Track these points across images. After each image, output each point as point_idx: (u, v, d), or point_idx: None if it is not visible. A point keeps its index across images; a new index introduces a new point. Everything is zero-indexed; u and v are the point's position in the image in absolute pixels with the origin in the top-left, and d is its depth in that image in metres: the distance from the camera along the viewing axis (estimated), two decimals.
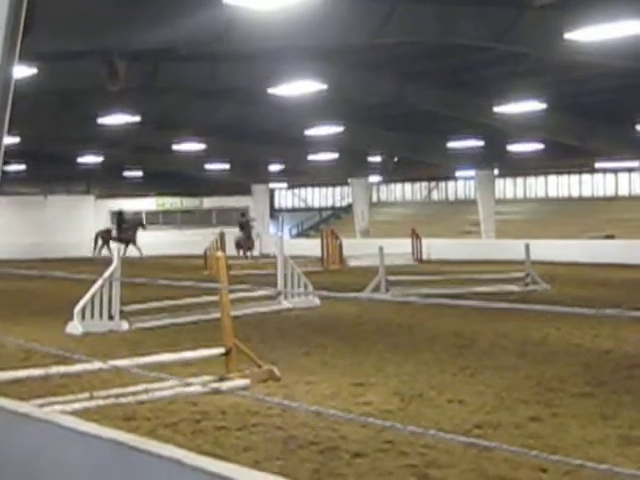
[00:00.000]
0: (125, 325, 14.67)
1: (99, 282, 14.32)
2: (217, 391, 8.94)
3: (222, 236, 29.82)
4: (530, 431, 7.76)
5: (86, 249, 40.90)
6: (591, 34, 16.06)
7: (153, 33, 16.90)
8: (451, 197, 52.90)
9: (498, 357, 11.75)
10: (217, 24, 16.24)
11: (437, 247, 36.41)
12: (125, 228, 41.25)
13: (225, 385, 9.40)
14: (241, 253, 38.83)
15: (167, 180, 51.95)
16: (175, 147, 39.21)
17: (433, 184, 53.57)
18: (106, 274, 14.41)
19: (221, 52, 21.26)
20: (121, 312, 14.71)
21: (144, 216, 47.16)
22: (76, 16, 16.36)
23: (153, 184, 52.94)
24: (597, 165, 41.17)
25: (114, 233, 41.41)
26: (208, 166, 47.19)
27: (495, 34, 18.60)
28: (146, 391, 9.00)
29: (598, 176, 45.90)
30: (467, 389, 9.58)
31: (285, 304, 17.68)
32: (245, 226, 39.64)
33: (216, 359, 10.12)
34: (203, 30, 16.67)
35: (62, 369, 9.27)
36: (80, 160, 43.91)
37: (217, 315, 11.59)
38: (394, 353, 12.15)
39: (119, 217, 42.70)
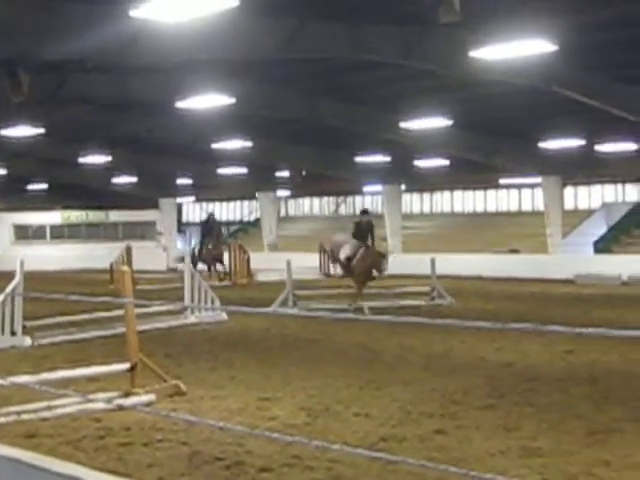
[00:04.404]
0: (28, 341, 14.38)
1: (0, 297, 14.02)
2: (121, 407, 8.83)
3: (129, 250, 29.46)
4: (435, 444, 7.84)
5: None
6: (495, 52, 16.35)
7: (59, 44, 16.66)
8: (358, 212, 53.22)
9: (404, 370, 11.85)
10: (124, 36, 16.10)
11: None
12: (215, 238, 30.72)
13: (130, 401, 9.28)
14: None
15: (73, 193, 51.19)
16: (81, 160, 38.68)
17: (341, 199, 53.85)
18: (8, 289, 14.11)
19: (129, 64, 21.08)
20: (24, 327, 14.41)
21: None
22: None
23: (58, 197, 52.11)
24: (501, 181, 41.90)
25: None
26: (115, 179, 46.68)
27: (402, 51, 18.82)
28: (49, 408, 8.83)
29: (502, 192, 46.69)
30: (373, 403, 9.63)
31: (192, 319, 17.54)
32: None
33: (122, 374, 9.99)
34: (110, 42, 16.50)
35: None
36: None
37: (124, 330, 11.45)
38: (301, 367, 12.16)
39: (209, 224, 31.58)
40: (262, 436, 7.53)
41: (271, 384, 10.80)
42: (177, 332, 16.41)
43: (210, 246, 29.95)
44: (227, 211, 60.67)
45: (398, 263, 36.38)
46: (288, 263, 20.48)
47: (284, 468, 7.07)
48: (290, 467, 7.09)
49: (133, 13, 13.12)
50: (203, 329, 16.88)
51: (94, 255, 42.87)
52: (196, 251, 30.65)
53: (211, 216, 31.86)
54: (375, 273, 20.06)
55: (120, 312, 13.03)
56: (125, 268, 11.62)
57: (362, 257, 20.13)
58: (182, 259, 27.70)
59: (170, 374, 10.27)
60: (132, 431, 8.28)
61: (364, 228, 20.78)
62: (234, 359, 12.95)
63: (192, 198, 56.34)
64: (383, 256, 20.37)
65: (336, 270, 22.08)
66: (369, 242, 20.58)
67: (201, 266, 28.93)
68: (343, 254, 20.63)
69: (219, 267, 30.04)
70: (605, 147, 32.36)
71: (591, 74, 22.02)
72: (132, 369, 9.73)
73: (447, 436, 8.12)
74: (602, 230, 39.17)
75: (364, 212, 22.16)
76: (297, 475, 6.92)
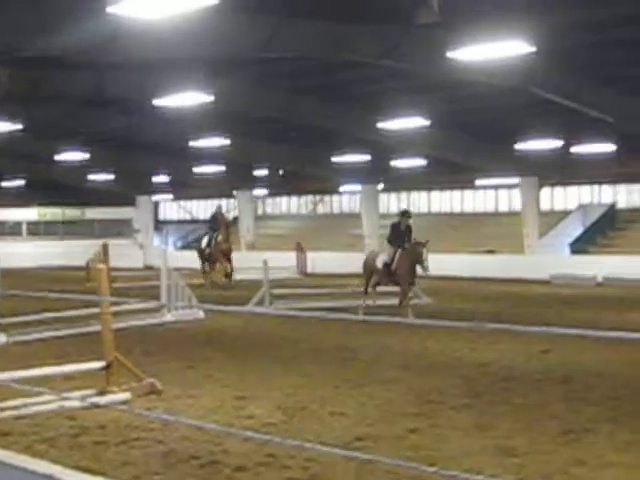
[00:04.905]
0: (3, 338, 14.30)
1: None
2: (97, 405, 8.80)
3: (105, 247, 29.32)
4: (410, 443, 7.86)
5: None
6: (474, 53, 16.37)
7: (38, 40, 16.56)
8: (336, 211, 53.22)
9: (380, 370, 11.88)
10: (102, 33, 16.01)
11: (322, 260, 36.61)
12: (224, 233, 28.29)
13: (105, 399, 9.25)
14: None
15: (49, 190, 50.90)
16: (58, 156, 38.48)
17: (319, 198, 53.82)
18: None
19: (107, 61, 20.99)
20: None
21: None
22: None
23: (35, 194, 51.83)
24: (478, 182, 41.97)
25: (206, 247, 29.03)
26: (91, 176, 46.45)
27: (381, 51, 18.83)
28: (24, 406, 8.79)
29: (479, 192, 46.79)
30: (349, 402, 9.65)
31: (169, 317, 17.52)
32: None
33: (98, 373, 9.96)
34: (88, 39, 16.40)
35: None
36: None
37: (100, 328, 11.41)
38: (277, 366, 12.16)
39: (217, 218, 29.41)
40: (238, 435, 7.53)
41: (247, 383, 10.80)
42: (154, 330, 16.38)
43: (220, 239, 28.07)
44: (204, 209, 60.52)
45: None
46: (265, 262, 20.47)
47: (260, 467, 7.07)
48: (266, 466, 7.09)
49: (112, 9, 13.05)
50: (180, 327, 16.85)
51: (70, 252, 42.67)
52: (203, 244, 29.00)
53: (219, 209, 29.92)
54: (420, 271, 18.55)
55: (96, 310, 13.00)
56: (101, 266, 11.57)
57: (401, 259, 18.58)
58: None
59: (146, 372, 10.23)
60: (107, 429, 8.26)
61: (401, 231, 19.02)
62: (211, 358, 12.94)
63: (169, 196, 56.16)
64: (423, 246, 18.49)
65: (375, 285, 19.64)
66: (406, 246, 18.70)
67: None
68: (380, 262, 19.12)
69: (226, 265, 27.86)
70: (582, 148, 32.47)
71: (568, 76, 22.12)
72: (108, 367, 9.70)
73: (422, 435, 8.15)
74: (578, 231, 39.33)
75: (404, 213, 19.70)
76: (273, 474, 6.92)
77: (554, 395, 10.06)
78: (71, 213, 52.93)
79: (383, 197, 46.79)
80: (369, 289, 19.62)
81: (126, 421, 8.45)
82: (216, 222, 28.82)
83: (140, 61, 20.62)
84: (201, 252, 29.06)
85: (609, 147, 31.72)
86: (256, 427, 8.30)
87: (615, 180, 41.55)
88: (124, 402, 9.37)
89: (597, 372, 11.70)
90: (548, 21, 17.14)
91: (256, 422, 8.64)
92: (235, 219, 47.87)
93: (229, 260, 27.84)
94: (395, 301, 19.61)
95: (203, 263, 28.88)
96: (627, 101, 24.21)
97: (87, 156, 37.89)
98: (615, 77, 22.53)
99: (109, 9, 13.06)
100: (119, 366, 9.78)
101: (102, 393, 9.47)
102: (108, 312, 10.03)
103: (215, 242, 28.22)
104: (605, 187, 43.18)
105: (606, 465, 7.14)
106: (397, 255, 18.68)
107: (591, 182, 42.79)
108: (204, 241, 29.21)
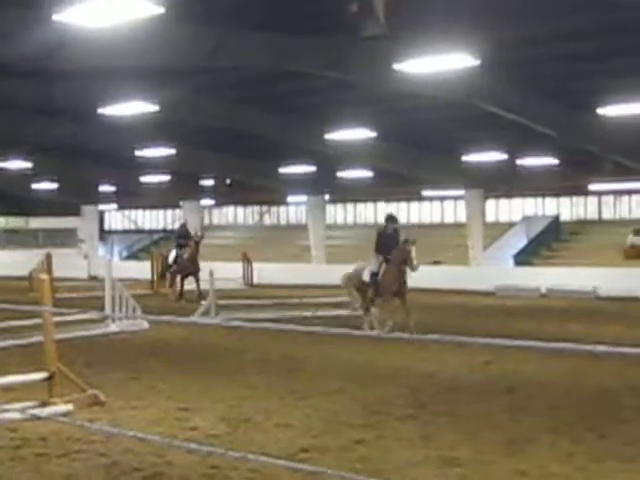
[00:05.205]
0: None
1: None
2: (38, 417, 8.69)
3: (49, 257, 29.01)
4: (355, 454, 7.86)
5: None
6: (419, 66, 16.51)
7: None
8: (283, 222, 53.25)
9: (325, 380, 11.87)
10: (48, 41, 15.87)
11: (268, 271, 36.57)
12: (193, 250, 27.07)
13: (46, 411, 9.13)
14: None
15: None
16: (2, 165, 38.02)
17: (265, 208, 53.80)
18: None
19: (53, 69, 20.77)
20: None
21: None
22: None
23: None
24: (424, 193, 42.29)
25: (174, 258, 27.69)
26: (35, 185, 45.96)
27: (327, 62, 18.88)
28: None
29: (425, 204, 47.14)
30: (295, 413, 9.63)
31: (113, 327, 17.37)
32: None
33: (40, 384, 9.83)
34: (34, 46, 16.25)
35: None
36: None
37: (42, 339, 11.27)
38: (222, 377, 12.11)
39: (184, 233, 28.58)
40: (181, 447, 7.49)
41: (191, 394, 10.73)
42: (98, 341, 16.22)
43: (186, 256, 26.75)
44: (150, 219, 60.16)
45: (322, 273, 36.60)
46: (211, 273, 20.39)
47: (203, 478, 7.03)
48: (209, 477, 7.05)
49: (58, 17, 12.95)
50: (124, 338, 16.71)
51: (14, 262, 42.13)
52: (170, 259, 27.75)
53: (184, 225, 28.84)
54: (409, 272, 17.19)
55: (39, 320, 12.84)
56: (44, 276, 11.45)
57: (388, 266, 17.28)
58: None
59: (89, 384, 10.13)
60: (49, 441, 8.16)
61: (388, 235, 17.62)
62: (155, 369, 12.84)
63: (114, 206, 55.77)
64: (412, 244, 17.14)
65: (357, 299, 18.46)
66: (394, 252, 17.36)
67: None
68: (367, 275, 17.77)
69: (193, 285, 26.06)
70: (526, 161, 32.89)
71: (513, 89, 22.35)
72: (50, 378, 9.58)
73: (368, 446, 8.16)
74: (522, 243, 39.77)
75: (390, 219, 17.99)
76: None
77: (497, 405, 10.14)
78: (14, 222, 52.27)
79: (330, 208, 46.91)
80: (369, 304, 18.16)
81: (68, 433, 8.35)
82: (185, 238, 27.49)
83: (87, 69, 20.46)
84: (168, 266, 28.06)
85: (553, 160, 32.17)
86: (200, 439, 8.25)
87: (559, 193, 42.18)
88: (66, 414, 9.25)
89: (539, 382, 11.82)
90: (493, 35, 17.31)
91: (200, 434, 8.59)
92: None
93: (197, 279, 25.90)
94: (337, 313, 19.66)
95: (172, 278, 27.55)
96: (570, 115, 24.55)
97: (30, 165, 37.50)
98: (559, 91, 22.81)
99: (55, 17, 12.96)
100: (62, 377, 9.67)
101: (44, 405, 9.34)
102: (51, 323, 9.91)
103: (181, 259, 26.95)
104: (549, 199, 43.76)
105: (548, 476, 7.21)
106: (383, 266, 17.43)
107: (535, 194, 43.34)
108: (171, 255, 27.90)
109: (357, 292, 18.39)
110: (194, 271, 26.21)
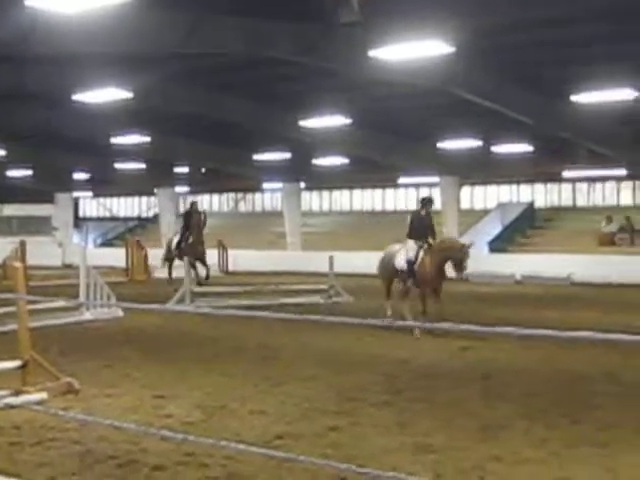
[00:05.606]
0: None
1: None
2: (11, 406, 8.63)
3: (23, 245, 28.83)
4: (330, 441, 7.87)
5: None
6: (394, 53, 16.49)
7: None
8: (258, 209, 53.17)
9: (301, 368, 11.87)
10: (20, 25, 15.74)
11: (244, 258, 36.53)
12: (197, 232, 25.24)
13: (20, 399, 9.07)
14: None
15: None
16: None
17: (240, 195, 53.69)
18: None
19: (26, 55, 20.60)
20: None
21: None
22: None
23: None
24: (400, 180, 42.31)
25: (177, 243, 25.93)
26: (9, 172, 45.64)
27: (302, 49, 18.83)
28: None
29: (401, 190, 47.17)
30: (269, 400, 9.63)
31: (87, 315, 17.30)
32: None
33: (13, 372, 9.77)
34: (6, 31, 16.13)
35: None
36: None
37: (15, 327, 11.21)
38: (197, 365, 12.09)
39: (191, 215, 25.76)
40: (156, 434, 7.47)
41: (167, 382, 10.71)
42: (72, 329, 16.15)
43: (191, 240, 24.97)
44: (125, 207, 59.92)
45: (298, 260, 36.61)
46: (186, 260, 20.32)
47: (178, 466, 7.01)
48: (185, 465, 7.04)
49: (30, 2, 12.85)
50: (98, 326, 16.64)
51: None
52: (173, 245, 25.98)
53: (194, 205, 26.14)
54: (454, 272, 16.02)
55: (13, 309, 12.76)
56: (18, 264, 11.37)
57: (430, 259, 15.89)
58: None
59: (63, 372, 10.08)
60: (22, 430, 8.12)
61: (422, 218, 16.34)
62: (129, 356, 12.80)
63: (89, 193, 55.48)
64: (468, 248, 15.93)
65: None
66: (430, 240, 16.13)
67: (177, 262, 25.11)
68: (400, 261, 16.32)
69: (200, 268, 24.46)
70: (501, 148, 33.01)
71: (488, 77, 22.40)
72: (23, 366, 9.52)
73: (342, 433, 8.17)
74: (497, 230, 39.88)
75: (428, 201, 16.62)
76: (191, 473, 6.88)
77: (472, 392, 10.17)
78: None
79: (305, 195, 46.89)
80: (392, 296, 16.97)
81: (42, 421, 8.31)
82: (190, 219, 25.40)
83: (60, 55, 20.31)
84: (168, 253, 26.33)
85: (528, 147, 32.28)
86: (175, 426, 8.23)
87: (533, 180, 42.29)
88: (40, 402, 9.20)
89: (514, 369, 11.87)
90: (468, 22, 17.34)
91: (175, 421, 8.57)
92: (156, 217, 47.38)
93: (204, 262, 24.76)
94: (312, 300, 19.57)
95: (169, 267, 26.15)
96: (545, 102, 24.63)
97: (3, 152, 37.23)
98: (534, 78, 22.88)
99: (27, 2, 12.86)
100: (35, 365, 9.61)
101: (17, 393, 9.29)
102: (24, 311, 9.84)
103: (186, 244, 25.06)
104: (524, 186, 43.88)
105: (522, 461, 7.24)
106: (421, 252, 16.04)
107: (510, 181, 43.45)
108: (174, 241, 26.09)
109: (385, 281, 16.98)
110: (201, 255, 24.82)
